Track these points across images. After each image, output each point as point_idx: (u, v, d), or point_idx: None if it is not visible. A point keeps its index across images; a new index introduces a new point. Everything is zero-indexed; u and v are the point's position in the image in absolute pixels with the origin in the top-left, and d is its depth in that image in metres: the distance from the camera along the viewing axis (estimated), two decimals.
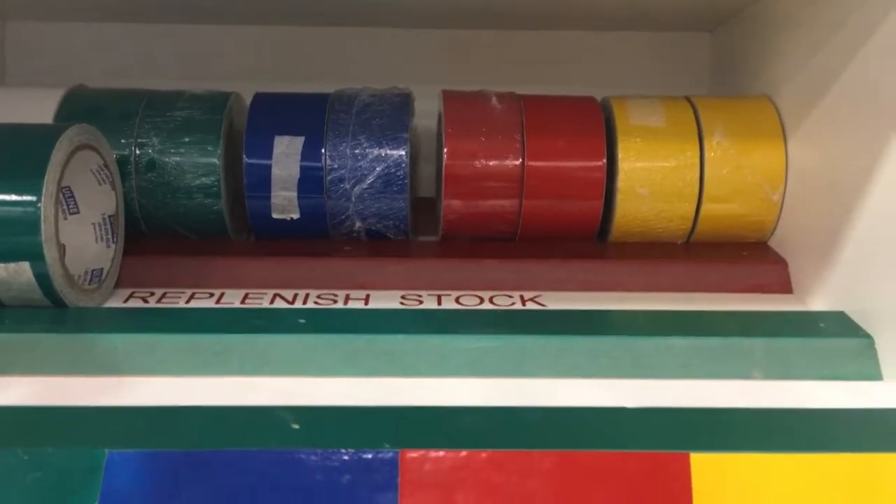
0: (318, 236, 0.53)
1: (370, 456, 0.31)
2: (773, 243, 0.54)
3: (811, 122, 0.49)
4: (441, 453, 0.31)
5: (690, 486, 0.31)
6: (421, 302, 0.48)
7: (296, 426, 0.33)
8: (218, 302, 0.47)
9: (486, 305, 0.48)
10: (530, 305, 0.48)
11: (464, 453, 0.31)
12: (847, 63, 0.45)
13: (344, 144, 0.51)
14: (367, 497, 0.30)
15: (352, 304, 0.47)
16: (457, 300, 0.48)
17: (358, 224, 0.53)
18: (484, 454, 0.31)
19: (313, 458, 0.31)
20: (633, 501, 0.30)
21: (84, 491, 0.30)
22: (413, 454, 0.31)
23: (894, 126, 0.40)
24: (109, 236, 0.48)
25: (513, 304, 0.48)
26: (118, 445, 0.31)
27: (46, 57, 0.66)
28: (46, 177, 0.40)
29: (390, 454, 0.31)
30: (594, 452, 0.31)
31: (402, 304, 0.48)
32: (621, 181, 0.52)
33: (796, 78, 0.51)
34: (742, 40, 0.61)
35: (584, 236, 0.54)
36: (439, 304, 0.48)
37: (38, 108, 0.52)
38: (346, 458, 0.31)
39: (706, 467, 0.31)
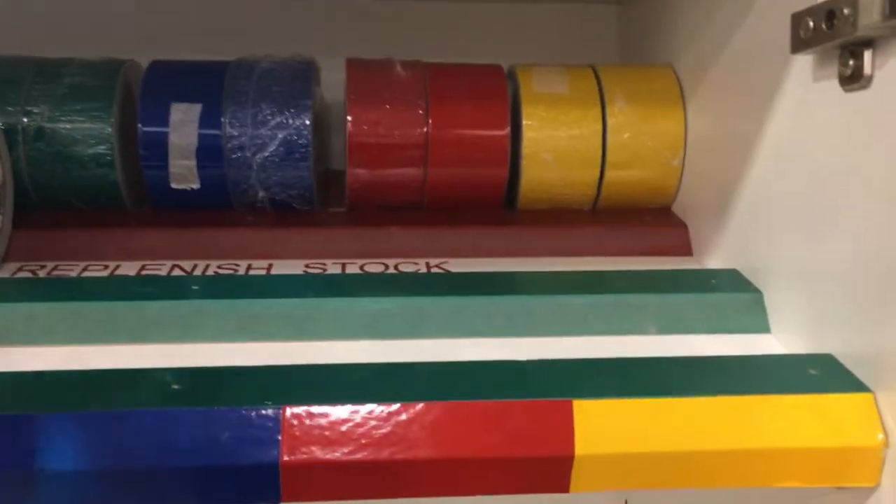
0: (221, 207, 0.52)
1: (251, 413, 0.30)
2: (675, 208, 0.55)
3: (706, 89, 0.51)
4: (324, 408, 0.31)
5: (573, 430, 0.31)
6: (325, 270, 0.47)
7: (176, 387, 0.32)
8: (112, 274, 0.46)
9: (391, 272, 0.47)
10: (435, 271, 0.48)
11: (347, 407, 0.31)
12: (735, 29, 0.46)
13: (244, 112, 0.50)
14: (248, 453, 0.30)
15: (253, 273, 0.46)
16: (361, 268, 0.48)
17: (261, 193, 0.51)
18: (368, 407, 0.31)
19: (192, 416, 0.30)
20: (517, 447, 0.31)
21: None
22: (295, 409, 0.31)
23: (774, 90, 0.41)
24: None
25: (418, 269, 0.48)
26: None
27: None
28: None
29: (271, 410, 0.30)
30: (479, 402, 0.31)
31: (305, 271, 0.47)
32: (526, 148, 0.52)
33: (693, 46, 0.53)
34: (648, 12, 0.62)
35: (492, 204, 0.54)
36: (343, 271, 0.47)
37: None
38: (225, 415, 0.30)
39: (588, 413, 0.31)
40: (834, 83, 0.35)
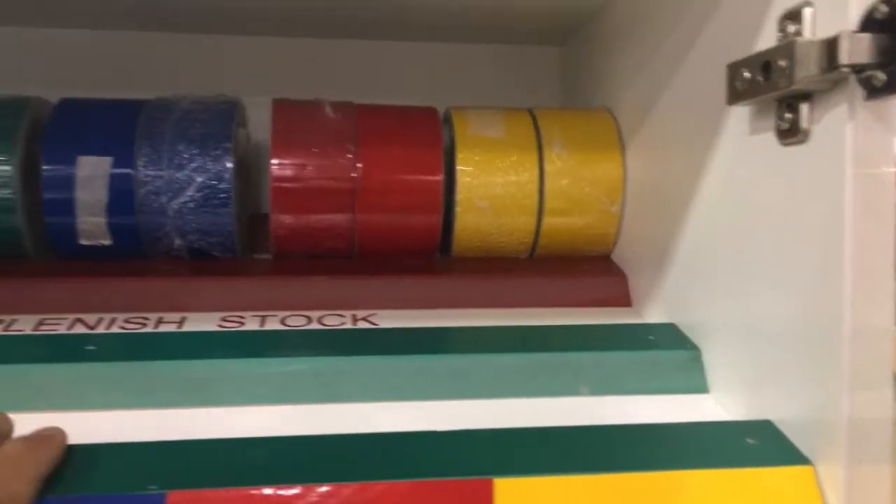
0: (134, 255, 0.49)
1: (131, 500, 0.27)
2: (614, 256, 0.53)
3: (644, 134, 0.49)
4: (215, 492, 0.27)
5: None
6: (243, 324, 0.44)
7: None
8: (6, 330, 0.42)
9: (314, 325, 0.44)
10: (361, 325, 0.45)
11: (242, 491, 0.28)
12: (671, 76, 0.45)
13: (160, 154, 0.47)
14: None
15: (163, 328, 0.43)
16: (282, 321, 0.45)
17: (178, 241, 0.48)
18: (264, 491, 0.28)
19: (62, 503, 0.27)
20: None
21: None
22: (182, 495, 0.27)
23: (711, 140, 0.39)
24: None
25: (343, 323, 0.45)
26: None
27: None
28: None
29: (156, 496, 0.27)
30: (390, 483, 0.29)
31: (220, 326, 0.44)
32: (460, 194, 0.50)
33: (631, 90, 0.51)
34: (586, 54, 0.61)
35: (425, 252, 0.52)
36: (262, 325, 0.44)
37: None
38: (103, 502, 0.27)
39: (510, 492, 0.28)
40: (770, 136, 0.33)
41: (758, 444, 0.32)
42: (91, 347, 0.38)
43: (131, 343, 0.40)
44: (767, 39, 0.34)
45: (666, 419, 0.36)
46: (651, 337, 0.42)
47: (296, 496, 0.28)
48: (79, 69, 0.60)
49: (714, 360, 0.39)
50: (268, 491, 0.28)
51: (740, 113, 0.36)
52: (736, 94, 0.34)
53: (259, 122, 0.56)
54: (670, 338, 0.42)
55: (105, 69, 0.60)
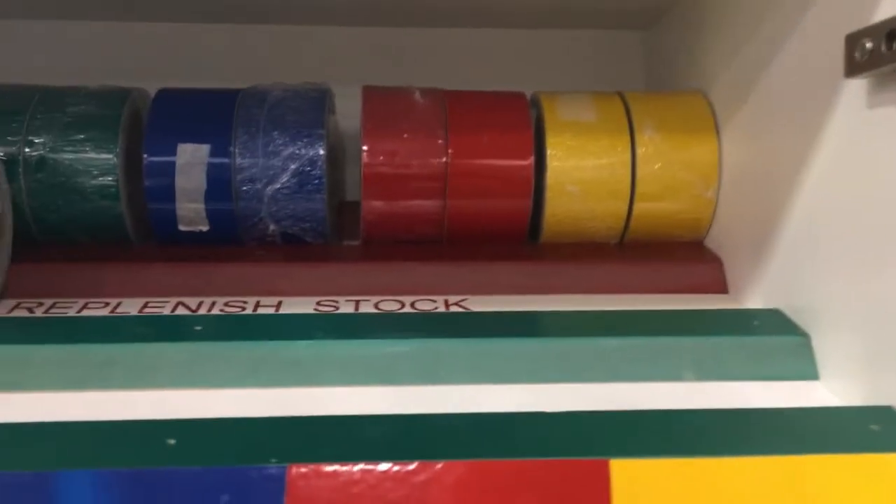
0: (230, 241, 0.50)
1: (253, 473, 0.27)
2: (708, 242, 0.52)
3: (743, 116, 0.48)
4: (334, 467, 0.28)
5: (609, 494, 0.28)
6: (337, 308, 0.45)
7: (171, 441, 0.29)
8: (112, 312, 0.43)
9: (407, 310, 0.45)
10: (454, 309, 0.45)
11: (360, 466, 0.28)
12: (776, 54, 0.43)
13: (255, 142, 0.48)
14: None
15: (261, 311, 0.44)
16: (376, 305, 0.45)
17: (272, 227, 0.49)
18: (383, 467, 0.28)
19: (188, 476, 0.27)
20: None
21: None
22: (302, 469, 0.28)
23: (823, 117, 0.38)
24: None
25: (436, 307, 0.45)
26: None
27: None
28: None
29: (276, 470, 0.27)
30: (505, 461, 0.28)
31: (316, 310, 0.44)
32: (550, 178, 0.49)
33: (727, 71, 0.50)
34: (674, 37, 0.59)
35: (514, 237, 0.51)
36: (357, 309, 0.44)
37: None
38: (224, 475, 0.27)
39: (626, 474, 0.28)
40: (892, 109, 0.32)
41: (882, 430, 0.31)
42: (198, 328, 0.39)
43: (237, 324, 0.40)
44: (888, 8, 0.32)
45: (776, 405, 0.35)
46: (756, 322, 0.41)
47: (413, 472, 0.28)
48: (172, 61, 0.62)
49: (825, 346, 0.38)
50: (385, 466, 0.28)
51: (856, 86, 0.35)
52: (855, 66, 0.33)
53: (344, 112, 0.57)
54: (776, 323, 0.40)
55: (196, 61, 0.61)
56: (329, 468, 0.28)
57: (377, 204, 0.49)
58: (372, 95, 0.51)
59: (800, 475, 0.29)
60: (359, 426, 0.30)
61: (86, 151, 0.46)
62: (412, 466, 0.28)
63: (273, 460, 0.28)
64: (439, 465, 0.28)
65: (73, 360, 0.36)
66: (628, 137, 0.50)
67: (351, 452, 0.28)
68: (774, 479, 0.29)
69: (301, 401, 0.35)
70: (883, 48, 0.31)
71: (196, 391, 0.36)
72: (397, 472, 0.28)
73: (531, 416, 0.32)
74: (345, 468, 0.28)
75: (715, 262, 0.50)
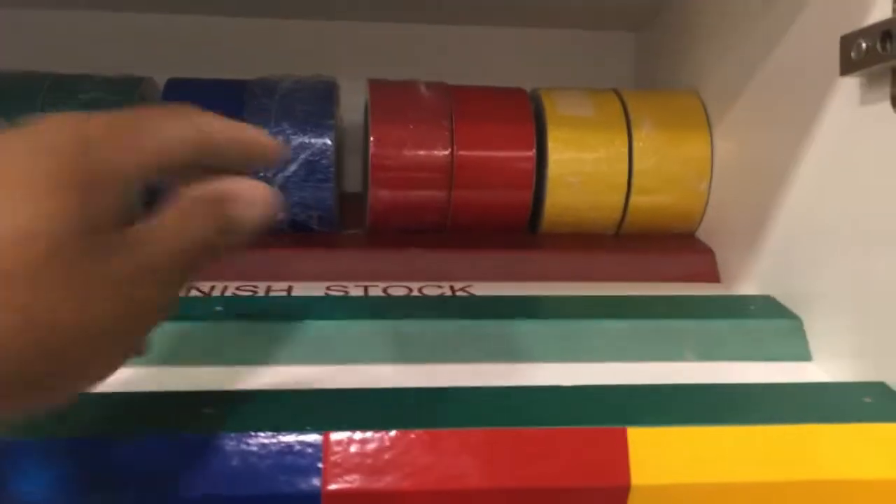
0: None
1: (292, 439, 0.29)
2: (700, 234, 0.54)
3: (735, 113, 0.50)
4: (367, 434, 0.29)
5: (628, 459, 0.29)
6: (347, 292, 0.46)
7: (209, 411, 0.30)
8: None
9: (416, 294, 0.46)
10: (460, 294, 0.46)
11: (391, 433, 0.29)
12: (767, 54, 0.46)
13: (266, 131, 0.49)
14: (289, 482, 0.28)
15: (273, 294, 0.45)
16: (384, 291, 0.46)
17: (281, 214, 0.50)
18: (412, 434, 0.29)
19: (229, 442, 0.28)
20: (571, 477, 0.29)
21: None
22: (338, 436, 0.29)
23: (815, 113, 0.40)
24: None
25: (443, 293, 0.46)
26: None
27: None
28: None
29: (314, 436, 0.29)
30: (529, 429, 0.30)
31: (327, 293, 0.45)
32: (551, 171, 0.51)
33: (719, 71, 0.52)
34: (667, 38, 0.62)
35: (515, 227, 0.53)
36: (366, 294, 0.46)
37: None
38: (264, 441, 0.29)
39: (643, 440, 0.30)
40: (885, 105, 0.34)
41: (875, 402, 0.33)
42: (219, 308, 0.40)
43: (255, 305, 0.41)
44: (880, 12, 0.35)
45: (773, 382, 0.37)
46: (751, 307, 0.43)
47: (441, 438, 0.29)
48: (174, 52, 0.63)
49: (817, 329, 0.40)
50: (416, 432, 0.29)
51: (849, 83, 0.37)
52: (850, 65, 0.35)
53: (347, 106, 0.58)
54: (770, 308, 0.43)
55: (204, 53, 0.62)
56: (362, 435, 0.29)
57: (384, 193, 0.50)
58: (379, 88, 0.52)
59: (800, 443, 0.31)
60: (388, 397, 0.32)
61: None
62: (441, 433, 0.29)
63: (309, 427, 0.29)
64: (466, 433, 0.30)
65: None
66: (626, 133, 0.52)
67: (382, 421, 0.30)
68: (778, 446, 0.31)
69: (323, 377, 0.37)
70: (878, 48, 0.33)
71: (218, 367, 0.37)
72: (427, 438, 0.29)
73: (549, 389, 0.33)
74: (377, 435, 0.29)
75: (707, 252, 0.52)
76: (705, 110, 0.53)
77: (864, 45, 0.34)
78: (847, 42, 0.35)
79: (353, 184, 0.62)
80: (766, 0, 0.45)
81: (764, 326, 0.41)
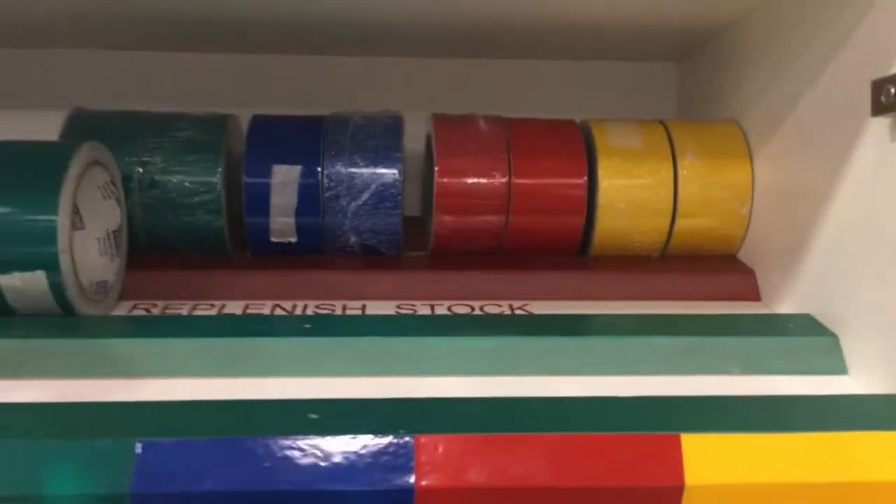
0: (313, 251, 0.56)
1: (387, 441, 0.33)
2: (741, 255, 0.58)
3: (775, 143, 0.54)
4: (452, 437, 0.33)
5: (682, 463, 0.33)
6: (415, 310, 0.50)
7: (314, 416, 0.35)
8: (219, 312, 0.49)
9: (479, 313, 0.50)
10: (519, 312, 0.51)
11: (473, 437, 0.33)
12: (805, 91, 0.49)
13: (340, 164, 0.54)
14: (385, 479, 0.32)
15: (349, 313, 0.50)
16: (449, 309, 0.51)
17: (353, 239, 0.55)
18: (491, 437, 0.34)
19: (334, 443, 0.33)
20: (629, 478, 0.33)
21: (117, 478, 0.31)
22: (426, 438, 0.33)
23: (850, 148, 0.44)
24: (113, 251, 0.50)
25: (502, 311, 0.51)
26: (145, 436, 0.33)
27: (31, 84, 0.68)
28: (63, 190, 0.42)
29: (406, 439, 0.33)
30: (591, 435, 0.34)
31: (397, 312, 0.50)
32: (601, 197, 0.55)
33: (760, 102, 0.56)
34: (708, 70, 0.65)
35: (567, 250, 0.57)
36: (433, 312, 0.50)
37: (42, 129, 0.53)
38: (364, 443, 0.33)
39: (696, 446, 0.34)
40: None
41: None
42: (307, 326, 0.44)
43: (337, 323, 0.46)
44: None
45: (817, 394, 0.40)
46: (791, 325, 0.46)
47: (514, 442, 0.33)
48: (245, 89, 0.68)
49: (853, 345, 0.44)
50: (493, 436, 0.33)
51: (880, 122, 0.41)
52: (880, 107, 0.39)
53: (407, 136, 0.63)
54: (808, 326, 0.46)
55: (275, 90, 0.68)
56: (448, 438, 0.33)
57: (447, 219, 0.55)
58: (442, 122, 0.57)
59: (837, 448, 0.35)
60: (464, 406, 0.36)
61: (193, 173, 0.52)
62: (515, 437, 0.34)
63: (401, 430, 0.33)
64: (538, 437, 0.34)
65: (203, 352, 0.42)
66: (671, 161, 0.56)
67: (463, 426, 0.34)
68: (817, 451, 0.34)
69: (404, 388, 0.41)
70: None
71: (310, 379, 0.42)
72: (504, 442, 0.34)
73: (607, 400, 0.37)
74: (461, 438, 0.33)
75: (748, 273, 0.55)
76: (746, 139, 0.57)
77: (892, 90, 0.37)
78: (878, 87, 0.39)
79: (410, 208, 0.66)
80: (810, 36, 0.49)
81: (803, 343, 0.45)
